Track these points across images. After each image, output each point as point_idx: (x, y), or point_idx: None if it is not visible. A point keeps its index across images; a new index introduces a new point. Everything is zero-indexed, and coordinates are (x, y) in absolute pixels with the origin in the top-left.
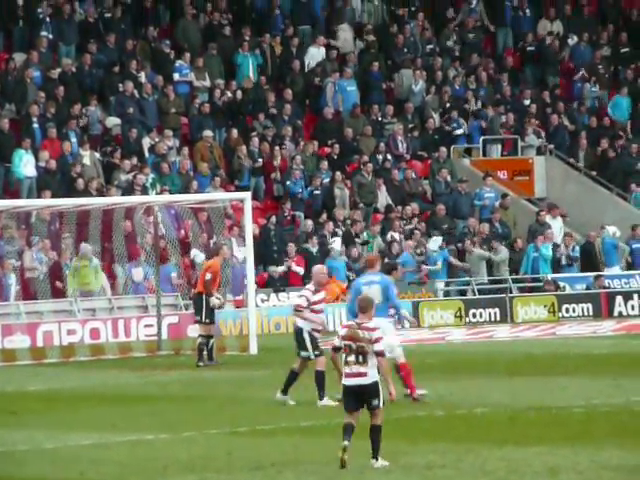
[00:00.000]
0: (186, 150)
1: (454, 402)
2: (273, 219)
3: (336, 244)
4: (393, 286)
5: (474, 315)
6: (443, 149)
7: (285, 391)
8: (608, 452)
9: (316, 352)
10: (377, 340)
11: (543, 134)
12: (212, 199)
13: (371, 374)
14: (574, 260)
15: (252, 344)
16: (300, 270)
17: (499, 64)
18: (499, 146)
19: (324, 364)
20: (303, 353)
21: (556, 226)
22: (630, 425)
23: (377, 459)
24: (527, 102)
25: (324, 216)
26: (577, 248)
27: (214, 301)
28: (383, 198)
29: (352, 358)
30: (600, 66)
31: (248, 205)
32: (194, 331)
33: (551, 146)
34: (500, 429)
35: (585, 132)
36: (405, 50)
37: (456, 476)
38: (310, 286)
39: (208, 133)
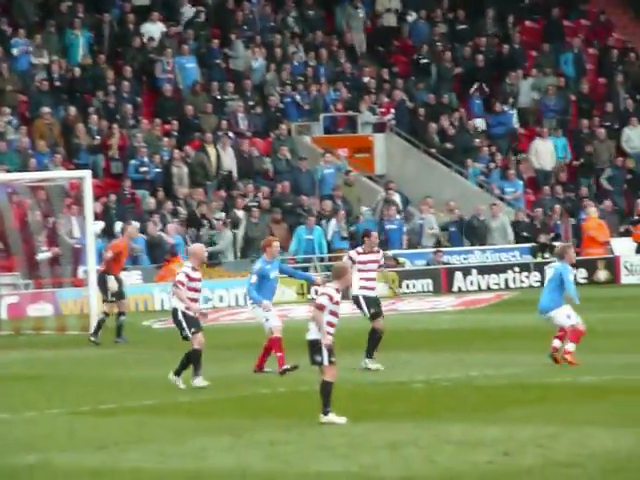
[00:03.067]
0: (24, 129)
1: (296, 379)
2: (113, 197)
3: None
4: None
5: (316, 292)
6: (283, 126)
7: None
8: (449, 426)
9: (192, 329)
10: (321, 294)
11: (379, 111)
12: (51, 177)
13: (313, 330)
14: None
15: (93, 323)
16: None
17: (340, 42)
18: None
19: (201, 343)
20: (184, 334)
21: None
22: (470, 399)
23: (326, 414)
24: (366, 79)
25: (161, 194)
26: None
27: (111, 283)
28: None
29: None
30: (438, 43)
31: (88, 183)
32: (34, 311)
33: (392, 122)
34: (341, 404)
35: (424, 109)
36: (245, 27)
37: (298, 451)
38: (189, 263)
39: (46, 110)
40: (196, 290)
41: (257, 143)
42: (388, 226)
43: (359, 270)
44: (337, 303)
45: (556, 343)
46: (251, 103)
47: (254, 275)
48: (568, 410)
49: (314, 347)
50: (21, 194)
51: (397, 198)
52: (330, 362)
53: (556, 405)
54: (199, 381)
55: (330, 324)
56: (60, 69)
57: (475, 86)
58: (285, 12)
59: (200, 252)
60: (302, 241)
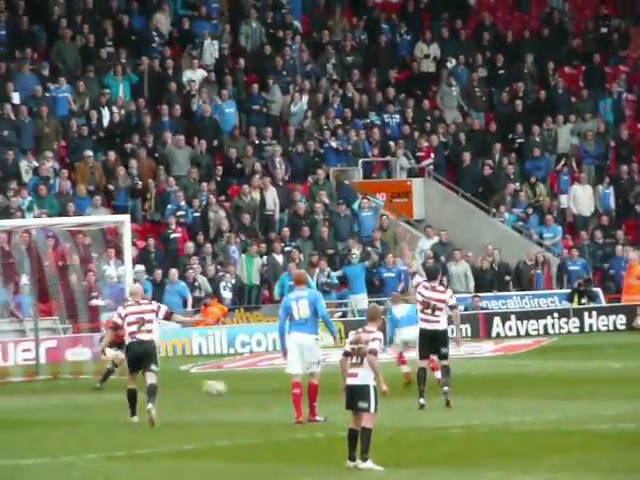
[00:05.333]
0: (64, 172)
1: (336, 424)
2: (152, 241)
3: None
4: (322, 300)
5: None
6: (321, 171)
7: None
8: (487, 473)
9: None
10: (373, 339)
11: (418, 155)
12: (91, 222)
13: (362, 375)
14: (331, 286)
15: None
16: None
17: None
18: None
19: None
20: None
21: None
22: (509, 446)
23: (365, 460)
24: (405, 127)
25: (201, 237)
26: (333, 274)
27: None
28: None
29: (352, 360)
30: (477, 88)
31: (127, 227)
32: (72, 355)
33: (430, 167)
34: (380, 450)
35: (463, 154)
36: (284, 73)
37: None
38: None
39: (89, 153)
40: (132, 323)
41: (295, 187)
42: (385, 274)
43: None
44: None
45: None
46: (290, 148)
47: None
48: (609, 458)
49: (361, 393)
50: (60, 238)
51: (427, 244)
52: (376, 409)
53: (597, 453)
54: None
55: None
56: (99, 114)
57: (563, 161)
58: (325, 58)
59: (137, 290)
60: (286, 287)
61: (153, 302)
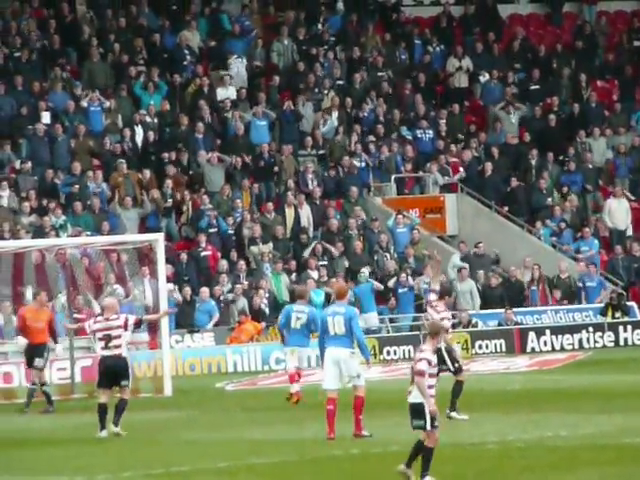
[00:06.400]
0: (104, 186)
1: (370, 441)
2: (184, 257)
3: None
4: (357, 318)
5: (388, 353)
6: (354, 189)
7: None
8: None
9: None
10: (419, 360)
11: (450, 171)
12: (125, 240)
13: (415, 394)
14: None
15: (167, 385)
16: None
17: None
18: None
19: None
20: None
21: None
22: (544, 460)
23: (423, 477)
24: (439, 142)
25: (234, 255)
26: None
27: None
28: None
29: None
30: (510, 105)
31: (161, 246)
32: None
33: (462, 183)
34: (415, 466)
35: (494, 167)
36: (316, 90)
37: None
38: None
39: (122, 161)
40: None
41: (329, 204)
42: (400, 290)
43: None
44: (434, 365)
45: None
46: (322, 163)
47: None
48: None
49: (416, 411)
50: (94, 257)
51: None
52: (433, 427)
53: (632, 467)
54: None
55: (430, 387)
56: (133, 132)
57: (617, 187)
58: (357, 74)
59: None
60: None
61: (121, 316)
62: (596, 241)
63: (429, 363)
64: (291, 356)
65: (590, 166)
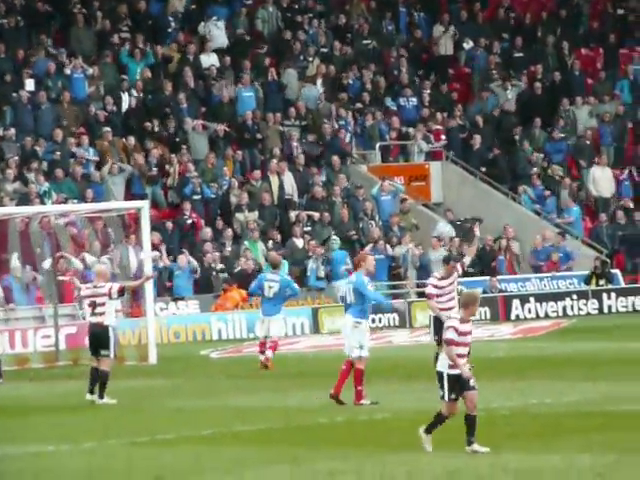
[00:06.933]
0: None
1: (355, 408)
2: (170, 225)
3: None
4: (365, 284)
5: (373, 320)
6: (335, 158)
7: (92, 392)
8: (507, 455)
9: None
10: (447, 328)
11: (432, 139)
12: (109, 208)
13: (441, 362)
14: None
15: (151, 353)
16: None
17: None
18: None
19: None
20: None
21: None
22: (529, 428)
23: (471, 443)
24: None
25: (220, 222)
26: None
27: None
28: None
29: None
30: (494, 71)
31: (146, 213)
32: None
33: (445, 149)
34: (401, 434)
35: (478, 135)
36: (301, 57)
37: None
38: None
39: (107, 129)
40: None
41: (312, 171)
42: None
43: (438, 296)
44: (464, 334)
45: None
46: (306, 132)
47: (368, 284)
48: (628, 438)
49: (439, 380)
50: (79, 224)
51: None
52: (450, 399)
53: (616, 433)
54: (106, 399)
55: (460, 355)
56: (117, 99)
57: (626, 171)
58: (342, 42)
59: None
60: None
61: (106, 284)
62: (576, 208)
63: (456, 331)
64: (261, 325)
65: (575, 135)
